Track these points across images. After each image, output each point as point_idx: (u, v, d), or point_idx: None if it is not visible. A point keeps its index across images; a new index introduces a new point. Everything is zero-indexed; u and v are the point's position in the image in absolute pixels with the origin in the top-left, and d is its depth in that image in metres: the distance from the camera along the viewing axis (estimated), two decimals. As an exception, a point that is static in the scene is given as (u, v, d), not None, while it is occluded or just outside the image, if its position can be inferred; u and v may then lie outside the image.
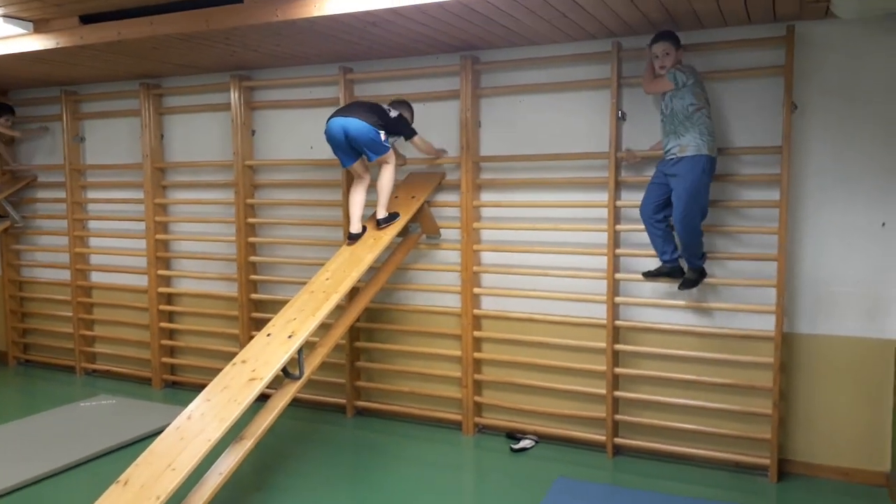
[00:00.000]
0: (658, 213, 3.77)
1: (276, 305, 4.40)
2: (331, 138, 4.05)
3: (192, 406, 3.18)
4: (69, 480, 3.86)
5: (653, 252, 3.98)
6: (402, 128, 4.21)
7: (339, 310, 4.33)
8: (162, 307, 5.53)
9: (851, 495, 3.66)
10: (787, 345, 3.84)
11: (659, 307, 4.10)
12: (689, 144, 3.58)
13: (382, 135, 3.97)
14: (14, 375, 6.03)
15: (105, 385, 5.63)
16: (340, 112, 4.08)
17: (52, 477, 3.86)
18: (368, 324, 4.90)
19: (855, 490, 3.71)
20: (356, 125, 3.91)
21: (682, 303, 4.03)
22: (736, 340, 3.94)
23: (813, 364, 3.85)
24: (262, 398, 3.43)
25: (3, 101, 5.86)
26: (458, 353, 4.60)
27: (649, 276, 3.98)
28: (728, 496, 3.62)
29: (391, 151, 4.15)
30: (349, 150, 4.06)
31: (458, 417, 4.63)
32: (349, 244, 4.17)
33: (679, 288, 3.86)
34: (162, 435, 3.04)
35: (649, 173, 4.01)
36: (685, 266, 3.84)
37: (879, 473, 3.74)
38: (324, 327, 4.06)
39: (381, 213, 4.22)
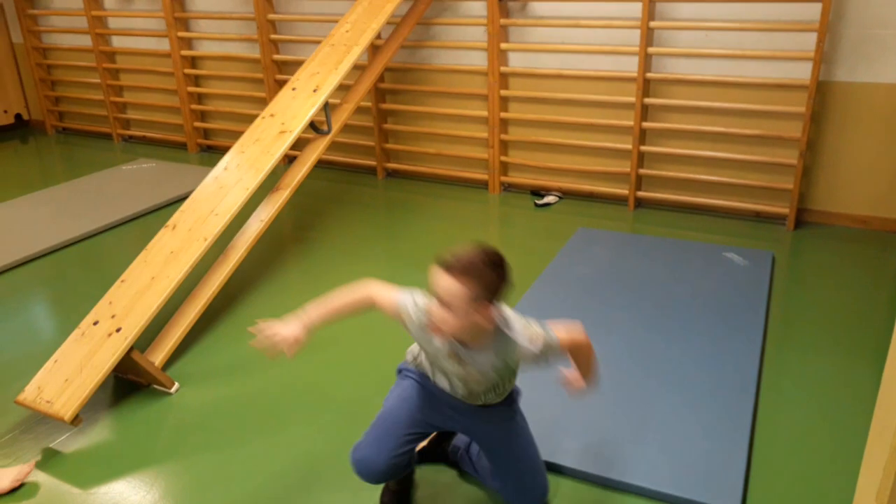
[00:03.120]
0: None
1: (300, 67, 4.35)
2: None
3: (227, 158, 3.30)
4: (121, 233, 4.16)
5: (691, -3, 3.77)
6: None
7: (361, 70, 4.27)
8: (187, 71, 5.50)
9: (864, 241, 3.80)
10: (820, 93, 3.74)
11: (692, 57, 3.96)
12: None
13: None
14: (55, 143, 6.22)
15: (142, 150, 5.80)
16: None
17: (106, 231, 4.16)
18: (393, 84, 4.84)
19: (870, 235, 3.84)
20: None
21: (717, 51, 3.87)
22: (769, 90, 3.84)
23: (845, 113, 3.77)
24: (292, 160, 3.52)
25: None
26: (484, 113, 4.58)
27: None
28: (742, 243, 3.78)
29: None
30: None
31: (485, 177, 4.74)
32: None
33: None
34: (202, 184, 3.19)
35: None
36: None
37: (896, 221, 3.84)
38: (345, 89, 4.04)
39: None
